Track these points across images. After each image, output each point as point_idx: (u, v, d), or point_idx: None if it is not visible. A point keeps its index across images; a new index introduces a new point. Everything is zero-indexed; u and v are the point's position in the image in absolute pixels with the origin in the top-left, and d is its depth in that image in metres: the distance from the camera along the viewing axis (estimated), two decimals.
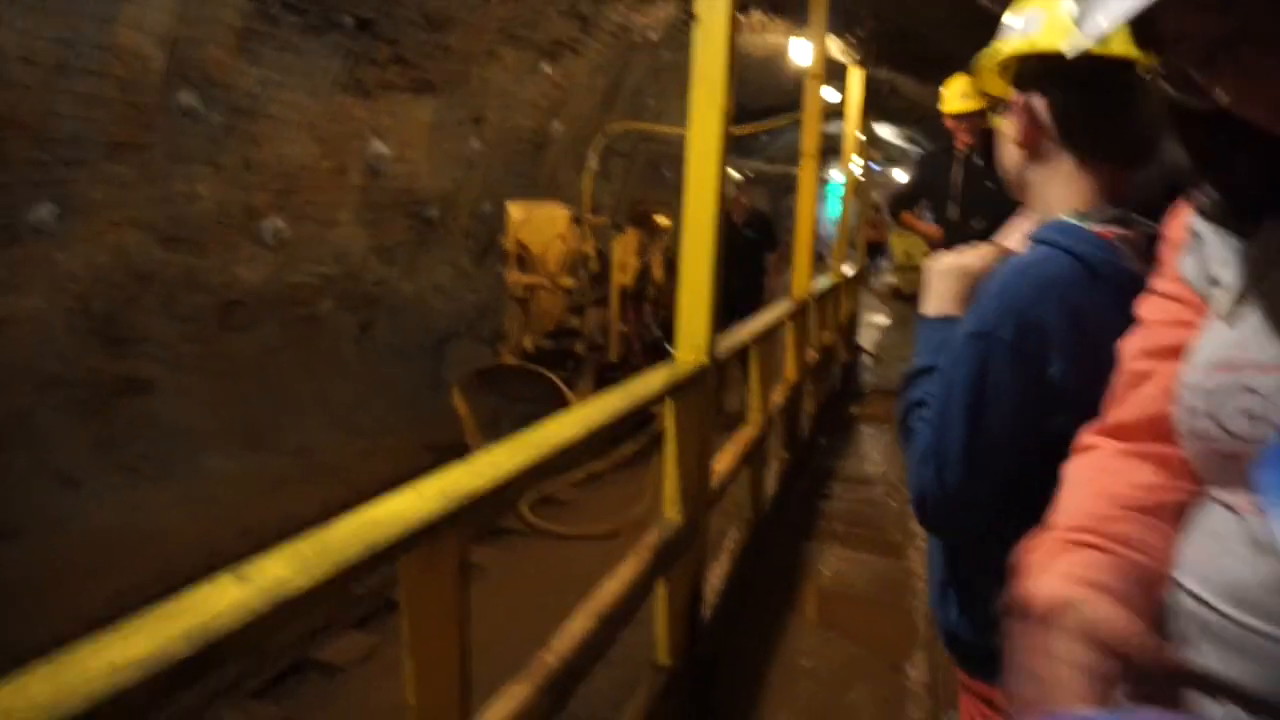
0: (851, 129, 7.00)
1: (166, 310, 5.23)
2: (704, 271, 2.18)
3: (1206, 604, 0.59)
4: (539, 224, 5.91)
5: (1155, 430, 0.70)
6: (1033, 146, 1.03)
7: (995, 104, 1.15)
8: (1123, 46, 0.87)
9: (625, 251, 5.89)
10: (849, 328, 7.76)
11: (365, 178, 6.27)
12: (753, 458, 3.36)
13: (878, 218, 18.61)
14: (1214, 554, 0.61)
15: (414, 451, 6.08)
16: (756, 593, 3.23)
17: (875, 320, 11.72)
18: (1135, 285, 0.78)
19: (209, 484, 5.15)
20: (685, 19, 6.86)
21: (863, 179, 11.02)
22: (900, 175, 24.56)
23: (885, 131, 15.49)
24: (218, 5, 4.44)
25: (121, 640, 0.72)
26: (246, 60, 4.87)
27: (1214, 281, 0.65)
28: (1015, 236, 1.12)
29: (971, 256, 1.10)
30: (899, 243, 15.54)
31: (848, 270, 7.22)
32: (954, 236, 5.35)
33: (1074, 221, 0.95)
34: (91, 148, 4.29)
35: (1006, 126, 1.06)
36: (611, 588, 1.84)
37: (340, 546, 0.93)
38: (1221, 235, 0.66)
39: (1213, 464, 0.62)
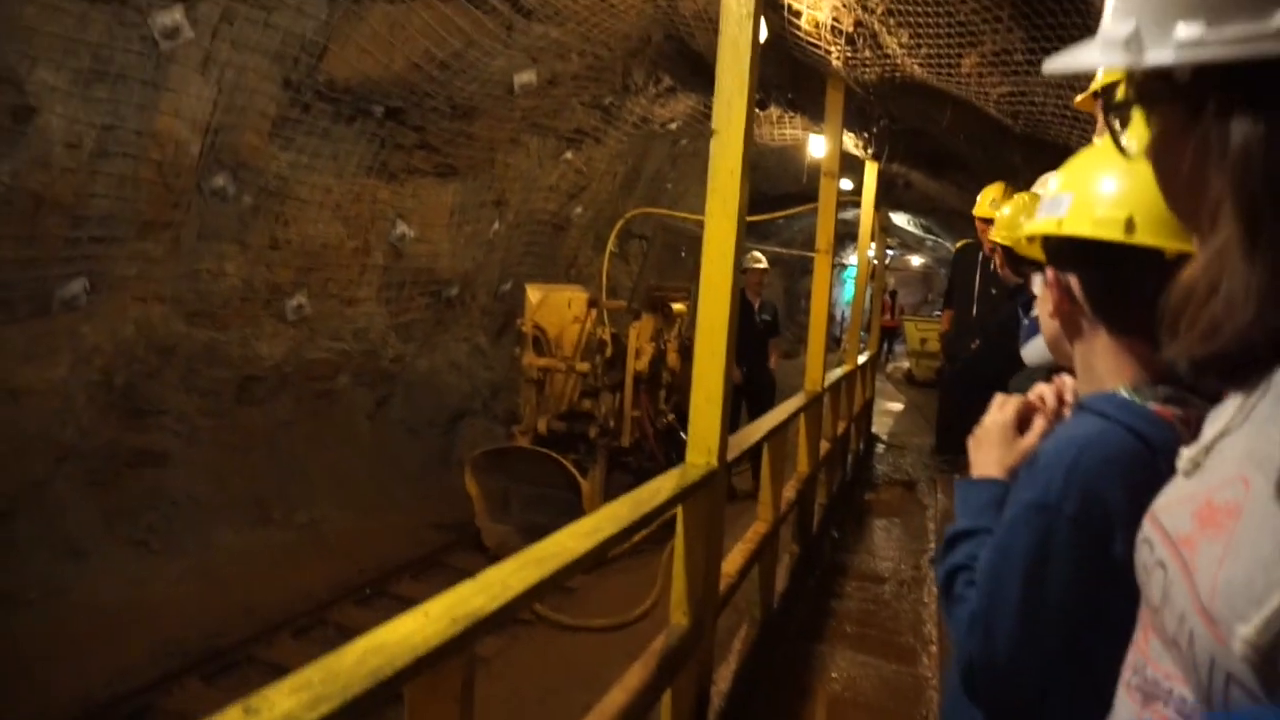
0: (866, 219, 7.12)
1: (185, 383, 5.30)
2: (717, 374, 2.20)
3: None
4: (556, 307, 6.00)
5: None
6: (1067, 320, 1.04)
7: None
8: (1149, 236, 0.90)
9: (640, 337, 5.95)
10: (863, 415, 7.74)
11: (387, 257, 6.41)
12: (763, 554, 3.33)
13: (892, 303, 18.72)
14: None
15: (422, 530, 6.05)
16: (764, 697, 3.16)
17: (889, 406, 11.68)
18: None
19: (216, 558, 5.13)
20: (704, 111, 7.06)
21: (877, 263, 11.13)
22: (915, 260, 24.81)
23: (900, 219, 15.69)
24: (255, 95, 4.62)
25: None
26: (278, 145, 5.04)
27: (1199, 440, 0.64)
28: (1044, 391, 1.13)
29: (1007, 415, 1.11)
30: (913, 328, 15.62)
31: (862, 357, 7.24)
32: (964, 332, 5.41)
33: (1131, 397, 0.94)
34: (124, 226, 4.42)
35: (1043, 297, 1.08)
36: (616, 698, 1.81)
37: (347, 675, 0.94)
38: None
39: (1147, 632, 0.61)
